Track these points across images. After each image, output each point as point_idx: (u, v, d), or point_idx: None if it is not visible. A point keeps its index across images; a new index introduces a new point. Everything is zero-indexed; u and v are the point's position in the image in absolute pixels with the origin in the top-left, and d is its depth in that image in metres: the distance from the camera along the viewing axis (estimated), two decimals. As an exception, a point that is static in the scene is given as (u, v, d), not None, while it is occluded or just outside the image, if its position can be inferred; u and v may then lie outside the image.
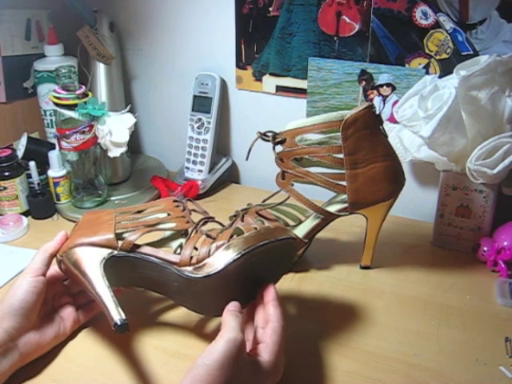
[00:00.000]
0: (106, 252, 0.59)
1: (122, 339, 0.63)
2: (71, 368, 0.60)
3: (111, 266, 0.59)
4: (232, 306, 0.54)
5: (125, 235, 0.62)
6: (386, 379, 0.58)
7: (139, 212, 0.65)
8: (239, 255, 0.54)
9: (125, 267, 0.60)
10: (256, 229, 0.57)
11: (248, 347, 0.53)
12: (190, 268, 0.56)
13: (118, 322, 0.52)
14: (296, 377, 0.58)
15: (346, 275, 0.76)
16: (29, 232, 0.87)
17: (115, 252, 0.59)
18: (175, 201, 0.66)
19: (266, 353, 0.52)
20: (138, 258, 0.59)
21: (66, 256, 0.60)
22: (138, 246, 0.60)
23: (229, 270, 0.54)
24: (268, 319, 0.54)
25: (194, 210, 0.65)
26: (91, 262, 0.58)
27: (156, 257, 0.59)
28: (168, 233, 0.65)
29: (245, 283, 0.57)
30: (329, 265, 0.78)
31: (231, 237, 0.57)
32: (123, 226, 0.61)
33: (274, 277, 0.61)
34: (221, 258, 0.55)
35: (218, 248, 0.56)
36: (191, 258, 0.57)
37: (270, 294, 0.56)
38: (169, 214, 0.63)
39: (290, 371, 0.59)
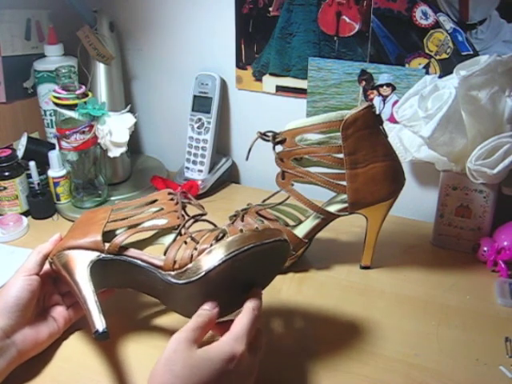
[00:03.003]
0: (93, 255, 0.59)
1: (121, 339, 0.63)
2: (71, 368, 0.60)
3: (100, 269, 0.59)
4: (206, 305, 0.53)
5: (118, 232, 0.62)
6: (386, 379, 0.58)
7: (136, 208, 0.64)
8: (220, 261, 0.52)
9: (113, 269, 0.60)
10: (242, 231, 0.55)
11: None
12: (173, 273, 0.55)
13: (100, 330, 0.52)
14: (295, 377, 0.58)
15: (346, 275, 0.76)
16: (29, 232, 0.87)
17: (102, 255, 0.59)
18: (170, 193, 0.65)
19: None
20: (124, 260, 0.59)
21: (56, 258, 0.60)
22: (125, 249, 0.59)
23: (210, 276, 0.52)
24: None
25: (189, 203, 0.63)
26: (79, 265, 0.58)
27: (141, 260, 0.58)
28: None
29: (230, 288, 0.55)
30: (329, 265, 0.78)
31: (217, 240, 0.56)
32: (114, 224, 0.61)
33: (264, 280, 0.59)
34: (202, 264, 0.53)
35: (200, 253, 0.54)
36: (175, 262, 0.56)
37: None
38: (162, 209, 0.62)
39: (289, 371, 0.59)
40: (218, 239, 0.57)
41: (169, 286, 0.56)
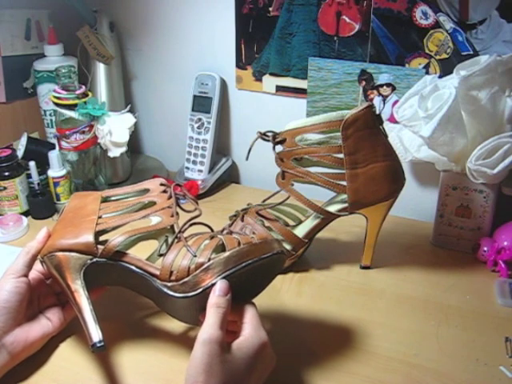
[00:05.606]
0: (86, 258, 0.57)
1: (120, 340, 0.63)
2: (71, 368, 0.60)
3: (93, 270, 0.58)
4: (214, 295, 0.52)
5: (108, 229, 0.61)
6: (386, 379, 0.58)
7: (126, 198, 0.64)
8: (218, 279, 0.52)
9: (107, 271, 0.59)
10: (239, 244, 0.54)
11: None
12: (169, 284, 0.55)
13: (97, 344, 0.52)
14: (296, 376, 0.58)
15: (346, 275, 0.76)
16: (29, 232, 0.87)
17: (95, 259, 0.57)
18: (162, 184, 0.64)
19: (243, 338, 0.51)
20: (118, 265, 0.58)
21: (47, 259, 0.59)
22: (120, 253, 0.58)
23: (207, 292, 0.53)
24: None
25: (184, 196, 0.62)
26: (72, 269, 0.57)
27: (136, 266, 0.57)
28: (155, 221, 0.62)
29: None
30: (329, 265, 0.78)
31: (214, 250, 0.55)
32: (106, 222, 0.60)
33: (258, 289, 0.59)
34: (200, 281, 0.53)
35: (197, 267, 0.54)
36: (171, 273, 0.55)
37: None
38: (154, 203, 0.61)
39: (289, 371, 0.59)
40: (215, 250, 0.56)
41: (164, 295, 0.55)
